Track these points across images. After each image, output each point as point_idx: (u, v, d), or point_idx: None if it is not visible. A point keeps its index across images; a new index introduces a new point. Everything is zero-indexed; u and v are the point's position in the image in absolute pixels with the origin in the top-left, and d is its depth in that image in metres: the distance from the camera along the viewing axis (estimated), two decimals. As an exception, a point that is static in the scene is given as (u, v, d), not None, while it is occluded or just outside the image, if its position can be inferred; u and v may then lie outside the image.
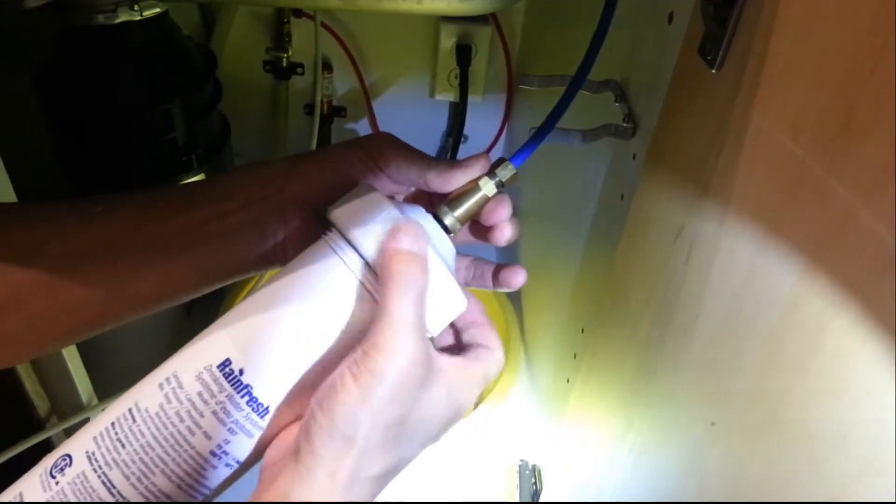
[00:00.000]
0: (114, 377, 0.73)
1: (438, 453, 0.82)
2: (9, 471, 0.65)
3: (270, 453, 0.31)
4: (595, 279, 0.57)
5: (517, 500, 0.80)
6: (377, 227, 0.32)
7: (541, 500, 0.74)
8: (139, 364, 0.34)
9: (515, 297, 0.99)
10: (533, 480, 0.79)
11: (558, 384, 0.70)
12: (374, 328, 0.30)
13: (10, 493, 0.32)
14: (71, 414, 0.70)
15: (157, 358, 0.33)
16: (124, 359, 0.82)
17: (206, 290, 0.38)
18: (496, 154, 0.56)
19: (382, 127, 1.11)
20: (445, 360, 0.32)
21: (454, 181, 0.36)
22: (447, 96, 1.07)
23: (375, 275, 0.32)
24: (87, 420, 0.71)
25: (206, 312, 0.93)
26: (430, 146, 1.14)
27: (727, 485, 0.34)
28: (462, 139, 1.10)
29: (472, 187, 0.36)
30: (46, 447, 0.70)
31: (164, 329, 0.94)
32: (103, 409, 0.72)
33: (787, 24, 0.29)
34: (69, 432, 0.71)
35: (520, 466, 0.82)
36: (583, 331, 0.60)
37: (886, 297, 0.23)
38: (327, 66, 1.05)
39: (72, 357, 0.66)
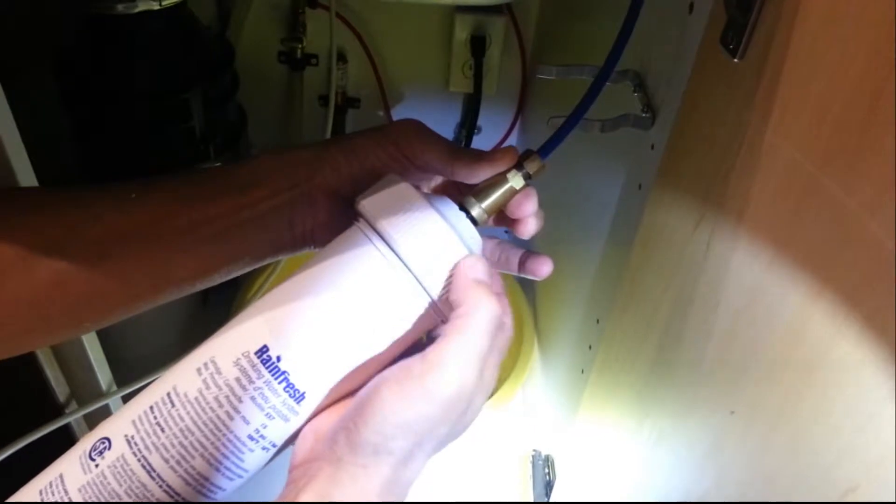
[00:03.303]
0: (131, 365, 0.74)
1: (451, 445, 0.83)
2: (29, 455, 0.66)
3: (301, 450, 0.31)
4: (612, 269, 0.57)
5: (530, 490, 0.81)
6: (405, 218, 0.32)
7: (554, 490, 0.75)
8: (156, 353, 0.35)
9: (528, 288, 0.99)
10: (546, 471, 0.80)
11: (572, 375, 0.70)
12: (446, 347, 0.29)
13: (50, 474, 0.32)
14: (90, 400, 0.71)
15: (173, 347, 0.34)
16: (141, 347, 0.83)
17: (237, 273, 0.39)
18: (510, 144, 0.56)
19: (396, 118, 1.11)
20: None
21: (481, 174, 0.36)
22: (461, 88, 1.07)
23: (406, 266, 0.32)
24: (106, 407, 0.72)
25: (221, 302, 0.94)
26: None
27: (745, 474, 0.35)
28: (476, 131, 1.10)
29: (500, 179, 0.36)
30: (66, 433, 0.71)
31: (181, 319, 0.95)
32: (122, 397, 0.73)
33: (811, 11, 0.29)
34: (88, 418, 0.72)
35: (533, 457, 0.83)
36: (598, 321, 0.61)
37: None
38: (342, 58, 1.05)
39: (91, 344, 0.67)
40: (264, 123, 1.05)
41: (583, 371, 0.65)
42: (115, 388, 0.73)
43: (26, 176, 0.54)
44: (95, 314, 0.37)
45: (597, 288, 0.63)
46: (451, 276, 0.32)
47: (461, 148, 0.37)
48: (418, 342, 0.34)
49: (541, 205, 0.37)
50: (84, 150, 0.76)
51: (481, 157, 0.36)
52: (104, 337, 0.69)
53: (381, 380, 0.30)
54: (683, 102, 0.42)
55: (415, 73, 1.09)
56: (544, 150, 0.37)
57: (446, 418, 0.29)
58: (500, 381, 0.86)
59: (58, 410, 0.71)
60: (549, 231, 0.83)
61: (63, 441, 0.34)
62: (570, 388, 0.71)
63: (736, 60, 0.35)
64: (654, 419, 0.46)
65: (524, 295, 0.97)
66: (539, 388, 0.89)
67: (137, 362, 0.72)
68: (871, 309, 0.25)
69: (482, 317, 0.30)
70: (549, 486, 0.77)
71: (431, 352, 0.29)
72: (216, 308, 0.97)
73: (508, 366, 0.86)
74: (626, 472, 0.53)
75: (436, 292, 0.32)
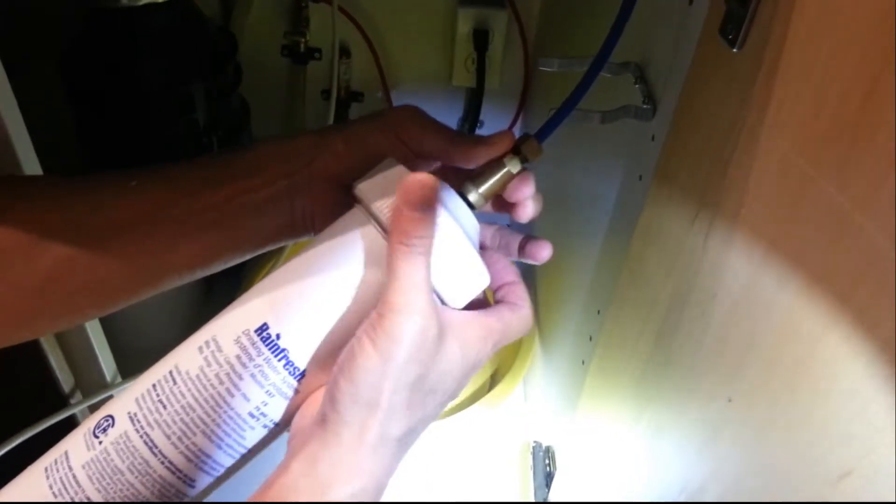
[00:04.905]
0: (135, 356, 0.74)
1: (453, 436, 0.83)
2: (34, 445, 0.66)
3: (297, 421, 0.32)
4: (613, 260, 0.57)
5: (531, 481, 0.81)
6: None
7: (554, 481, 0.75)
8: (160, 343, 0.35)
9: (530, 280, 0.99)
10: (547, 462, 0.80)
11: (573, 366, 0.70)
12: (387, 290, 0.30)
13: (56, 452, 0.33)
14: (95, 391, 0.72)
15: (177, 337, 0.34)
16: (145, 338, 0.84)
17: (239, 260, 0.39)
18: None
19: (398, 111, 1.11)
20: (455, 315, 0.33)
21: (479, 158, 0.36)
22: (464, 82, 1.07)
23: None
24: (110, 397, 0.73)
25: (225, 293, 0.95)
26: (447, 132, 1.14)
27: (742, 461, 0.35)
28: (478, 125, 1.10)
29: (497, 163, 0.36)
30: (71, 424, 0.71)
31: (185, 309, 0.95)
32: (126, 387, 0.73)
33: (809, 1, 0.29)
34: (93, 409, 0.73)
35: (534, 448, 0.83)
36: (599, 312, 0.61)
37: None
38: (345, 52, 1.05)
39: (96, 333, 0.68)
40: (267, 117, 1.05)
41: (583, 362, 0.65)
42: (119, 378, 0.73)
43: (32, 169, 0.54)
44: (97, 301, 0.38)
45: (597, 279, 0.63)
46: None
47: (459, 133, 0.38)
48: None
49: (538, 189, 0.38)
50: (88, 142, 0.77)
51: (478, 141, 0.37)
52: (108, 327, 0.70)
53: (353, 339, 0.31)
54: (683, 94, 0.43)
55: (417, 67, 1.09)
56: (541, 135, 0.37)
57: (412, 357, 0.30)
58: (501, 374, 0.86)
59: (63, 401, 0.72)
60: (549, 222, 0.84)
61: (68, 433, 0.34)
62: (570, 380, 0.71)
63: (735, 51, 0.35)
64: (654, 408, 0.47)
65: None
66: (540, 379, 0.89)
67: (141, 353, 0.73)
68: (864, 301, 0.26)
69: (404, 248, 0.30)
70: (549, 477, 0.78)
71: (381, 298, 0.30)
72: (220, 299, 0.98)
73: (509, 358, 0.87)
74: (626, 463, 0.53)
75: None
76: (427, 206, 0.30)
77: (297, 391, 0.32)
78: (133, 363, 0.74)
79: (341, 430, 0.30)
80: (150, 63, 0.71)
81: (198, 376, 0.32)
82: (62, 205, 0.36)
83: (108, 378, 0.72)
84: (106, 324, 0.69)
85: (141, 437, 0.31)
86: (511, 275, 0.37)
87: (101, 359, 0.69)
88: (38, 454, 0.34)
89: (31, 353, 0.66)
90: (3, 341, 0.37)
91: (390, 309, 0.30)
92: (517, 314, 0.35)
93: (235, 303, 0.34)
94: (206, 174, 0.37)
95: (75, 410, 0.71)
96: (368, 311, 0.32)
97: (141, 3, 0.66)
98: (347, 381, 0.30)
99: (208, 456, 0.32)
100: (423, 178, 0.31)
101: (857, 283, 0.26)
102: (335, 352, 0.32)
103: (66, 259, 0.35)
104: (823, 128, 0.28)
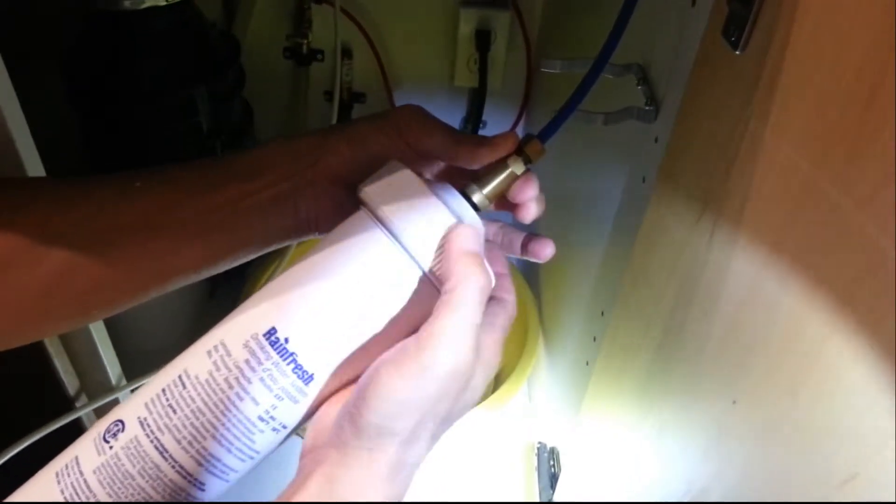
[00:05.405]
0: (139, 359, 0.75)
1: (457, 438, 0.83)
2: (40, 449, 0.67)
3: (310, 437, 0.32)
4: (616, 262, 0.57)
5: (535, 482, 0.81)
6: (407, 205, 0.32)
7: (559, 482, 0.75)
8: (165, 345, 0.35)
9: (534, 281, 0.99)
10: (551, 463, 0.80)
11: (577, 367, 0.70)
12: (438, 323, 0.29)
13: (66, 457, 0.33)
14: (100, 395, 0.72)
15: (181, 340, 0.34)
16: (149, 341, 0.84)
17: (244, 260, 0.39)
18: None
19: (401, 111, 1.11)
20: (482, 340, 0.32)
21: (482, 159, 0.36)
22: (466, 82, 1.07)
23: (408, 253, 0.32)
24: (116, 400, 0.73)
25: (228, 295, 0.95)
26: (449, 132, 1.14)
27: (746, 463, 0.35)
28: (481, 125, 1.10)
29: (501, 164, 0.36)
30: (77, 427, 0.72)
31: (188, 311, 0.95)
32: (132, 390, 0.73)
33: (811, 3, 0.29)
34: (99, 413, 0.73)
35: (538, 449, 0.83)
36: (602, 314, 0.61)
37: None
38: (347, 53, 1.05)
39: (100, 336, 0.68)
40: (270, 119, 1.05)
41: (587, 363, 0.65)
42: (124, 381, 0.74)
43: (35, 168, 0.55)
44: (103, 303, 0.38)
45: (601, 280, 0.63)
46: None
47: (462, 134, 0.37)
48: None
49: (542, 190, 0.38)
50: (90, 146, 0.77)
51: (482, 142, 0.36)
52: (112, 329, 0.70)
53: (380, 362, 0.30)
54: (685, 96, 0.43)
55: (420, 67, 1.09)
56: (544, 135, 0.37)
57: (445, 394, 0.30)
58: (505, 375, 0.86)
59: (68, 404, 0.72)
60: (553, 223, 0.84)
61: (74, 436, 0.34)
62: (574, 381, 0.71)
63: (737, 53, 0.35)
64: (658, 410, 0.47)
65: (529, 288, 0.97)
66: (544, 380, 0.89)
67: (146, 356, 0.73)
68: (867, 303, 0.26)
69: (470, 289, 0.30)
70: (554, 478, 0.78)
71: (424, 329, 0.30)
72: (223, 300, 0.98)
73: (513, 359, 0.87)
74: (630, 464, 0.53)
75: None
76: (481, 250, 0.31)
77: (306, 395, 0.32)
78: (138, 365, 0.74)
79: (362, 455, 0.30)
80: (151, 66, 0.71)
81: (207, 381, 0.32)
82: (66, 207, 0.36)
83: (114, 380, 0.72)
84: (110, 326, 0.69)
85: (151, 441, 0.32)
86: (500, 266, 0.37)
87: (105, 361, 0.69)
88: (45, 457, 0.34)
89: (36, 356, 0.67)
90: (7, 343, 0.37)
91: (434, 343, 0.29)
92: (508, 311, 0.35)
93: (243, 306, 0.34)
94: (210, 176, 0.37)
95: (81, 413, 0.71)
96: (379, 315, 0.32)
97: (143, 6, 0.66)
98: (372, 411, 0.29)
99: (218, 460, 0.32)
100: (469, 227, 0.32)
101: (860, 284, 0.26)
102: (345, 356, 0.32)
103: (70, 261, 0.35)
104: (826, 129, 0.28)
